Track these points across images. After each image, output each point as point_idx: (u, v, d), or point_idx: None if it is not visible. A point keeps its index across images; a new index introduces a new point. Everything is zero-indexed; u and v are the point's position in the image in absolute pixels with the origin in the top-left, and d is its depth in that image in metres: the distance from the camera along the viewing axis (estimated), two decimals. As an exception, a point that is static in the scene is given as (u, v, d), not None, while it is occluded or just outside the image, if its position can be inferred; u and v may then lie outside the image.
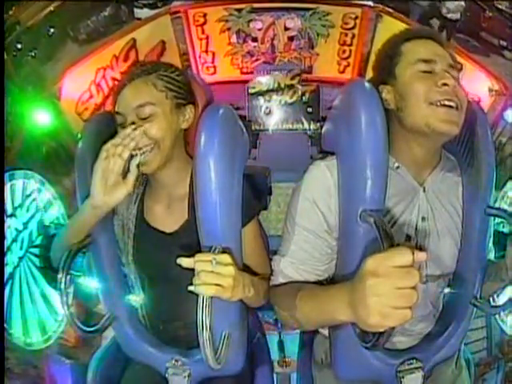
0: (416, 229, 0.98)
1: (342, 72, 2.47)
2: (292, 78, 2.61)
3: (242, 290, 0.87)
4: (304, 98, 2.63)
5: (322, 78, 2.52)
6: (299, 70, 2.55)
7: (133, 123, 0.97)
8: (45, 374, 2.05)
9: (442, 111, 0.91)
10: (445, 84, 0.91)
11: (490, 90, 2.10)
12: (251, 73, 2.49)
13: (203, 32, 2.37)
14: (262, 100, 2.63)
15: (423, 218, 0.98)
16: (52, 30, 1.86)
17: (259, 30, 2.40)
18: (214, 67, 2.46)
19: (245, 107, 2.61)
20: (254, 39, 2.42)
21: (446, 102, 0.91)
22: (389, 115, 0.95)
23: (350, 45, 2.39)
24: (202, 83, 1.16)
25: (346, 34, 2.37)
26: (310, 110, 2.64)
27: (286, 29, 2.41)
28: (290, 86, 2.62)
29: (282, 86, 2.61)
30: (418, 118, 0.92)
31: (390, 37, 1.06)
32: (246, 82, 2.52)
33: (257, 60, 2.46)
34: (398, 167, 0.97)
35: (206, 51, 2.41)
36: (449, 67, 0.95)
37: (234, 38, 2.41)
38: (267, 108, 2.63)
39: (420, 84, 0.93)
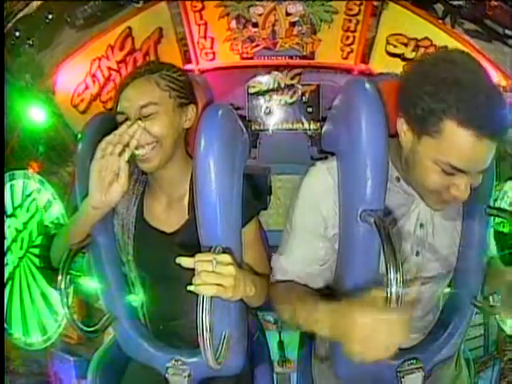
0: (414, 234, 0.97)
1: (345, 58, 2.43)
2: (292, 78, 2.61)
3: (243, 289, 0.87)
4: (304, 98, 2.62)
5: (324, 63, 2.49)
6: (299, 69, 2.55)
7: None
8: (49, 371, 2.05)
9: (440, 201, 0.89)
10: (456, 197, 0.85)
11: (498, 86, 2.09)
12: (251, 58, 2.46)
13: (201, 18, 2.34)
14: (262, 100, 2.62)
15: (421, 225, 0.98)
16: (50, 17, 1.86)
17: (260, 15, 2.37)
18: (213, 53, 2.43)
19: (245, 107, 2.60)
20: (255, 25, 2.39)
21: (449, 201, 0.88)
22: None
23: (354, 31, 2.36)
24: (203, 83, 1.16)
25: (350, 20, 2.34)
26: (310, 109, 2.63)
27: (288, 14, 2.38)
28: (290, 86, 2.61)
29: (282, 85, 2.61)
30: (416, 183, 0.90)
31: (443, 74, 0.79)
32: (246, 67, 2.49)
33: (257, 46, 2.43)
34: (398, 179, 0.96)
35: (205, 37, 2.38)
36: (475, 176, 0.84)
37: (233, 24, 2.37)
38: (267, 108, 2.63)
39: (434, 180, 0.84)
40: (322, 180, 0.95)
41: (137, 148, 0.95)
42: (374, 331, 0.70)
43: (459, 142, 0.78)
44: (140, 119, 0.96)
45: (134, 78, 1.01)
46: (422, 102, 0.80)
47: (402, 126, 0.87)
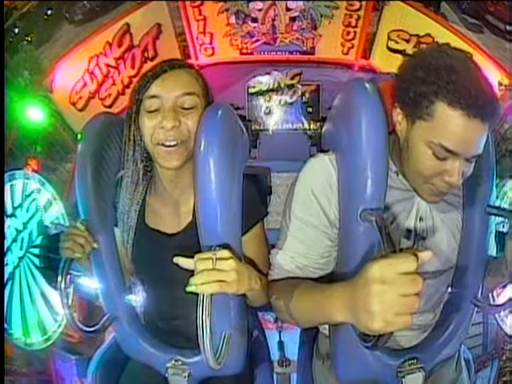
0: (414, 229, 0.98)
1: (346, 54, 2.45)
2: (292, 78, 2.61)
3: (248, 282, 0.85)
4: (304, 97, 2.62)
5: (324, 59, 2.50)
6: (300, 69, 2.54)
7: (172, 110, 0.96)
8: (50, 370, 2.06)
9: (434, 190, 0.90)
10: (449, 183, 0.87)
11: (500, 84, 2.10)
12: (251, 54, 2.46)
13: (200, 13, 2.34)
14: (261, 100, 2.62)
15: (421, 219, 0.98)
16: (49, 12, 1.86)
17: (259, 10, 2.37)
18: (213, 48, 2.44)
19: (245, 107, 2.60)
20: (254, 20, 2.39)
21: (443, 191, 0.90)
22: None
23: (355, 26, 2.37)
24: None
25: (351, 16, 2.35)
26: (310, 109, 2.64)
27: (288, 9, 2.38)
28: (290, 86, 2.61)
29: (282, 85, 2.61)
30: (411, 173, 0.92)
31: (437, 60, 0.83)
32: (246, 62, 2.50)
33: (257, 41, 2.44)
34: (397, 174, 0.96)
35: (204, 32, 2.39)
36: (465, 161, 0.86)
37: (232, 19, 2.38)
38: (267, 108, 2.63)
39: (427, 166, 0.86)
40: (323, 170, 0.94)
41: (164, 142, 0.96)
42: (392, 302, 0.62)
43: (450, 122, 0.81)
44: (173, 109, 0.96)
45: (173, 67, 0.99)
46: (415, 87, 0.84)
47: (397, 117, 0.90)
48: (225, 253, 0.82)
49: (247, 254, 1.00)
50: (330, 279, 0.97)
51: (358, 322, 0.67)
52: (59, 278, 0.98)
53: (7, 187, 1.94)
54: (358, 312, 0.66)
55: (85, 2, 2.02)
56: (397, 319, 0.63)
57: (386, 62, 2.37)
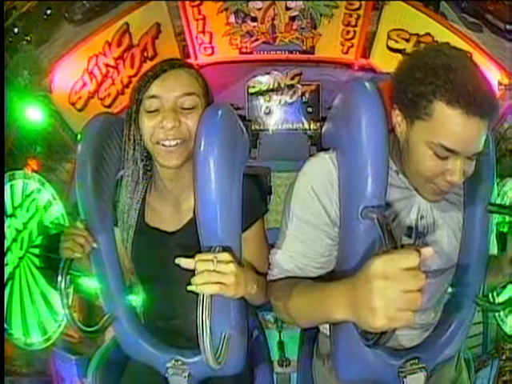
0: (415, 227, 0.97)
1: (346, 53, 2.45)
2: (292, 78, 2.61)
3: (244, 286, 0.87)
4: (304, 97, 2.62)
5: (324, 58, 2.50)
6: (299, 69, 2.54)
7: (172, 110, 0.96)
8: (51, 370, 2.05)
9: (436, 191, 0.90)
10: (451, 182, 0.87)
11: (500, 84, 2.10)
12: (250, 53, 2.46)
13: (199, 12, 2.34)
14: (261, 100, 2.62)
15: (421, 217, 0.98)
16: (48, 12, 1.86)
17: (259, 9, 2.37)
18: (212, 48, 2.43)
19: (245, 107, 2.60)
20: (254, 19, 2.39)
21: (444, 190, 0.90)
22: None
23: (355, 26, 2.37)
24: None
25: (351, 15, 2.34)
26: (310, 109, 2.63)
27: (288, 9, 2.38)
28: (290, 86, 2.61)
29: (282, 85, 2.61)
30: (412, 173, 0.92)
31: (432, 60, 0.83)
32: (245, 62, 2.50)
33: (256, 40, 2.44)
34: (397, 173, 0.96)
35: (203, 32, 2.39)
36: (466, 159, 0.85)
37: (232, 18, 2.37)
38: (267, 108, 2.63)
39: (428, 166, 0.86)
40: (325, 169, 0.94)
41: (164, 141, 0.96)
42: (394, 298, 0.62)
43: (449, 121, 0.81)
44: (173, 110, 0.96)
45: (172, 67, 0.99)
46: (413, 87, 0.84)
47: (396, 118, 0.90)
48: (225, 256, 0.83)
49: (247, 252, 1.00)
50: (330, 278, 0.97)
51: (360, 319, 0.67)
52: (59, 278, 0.98)
53: (7, 187, 1.94)
54: (360, 309, 0.66)
55: (84, 2, 2.02)
56: (399, 315, 0.62)
57: (385, 61, 2.37)
